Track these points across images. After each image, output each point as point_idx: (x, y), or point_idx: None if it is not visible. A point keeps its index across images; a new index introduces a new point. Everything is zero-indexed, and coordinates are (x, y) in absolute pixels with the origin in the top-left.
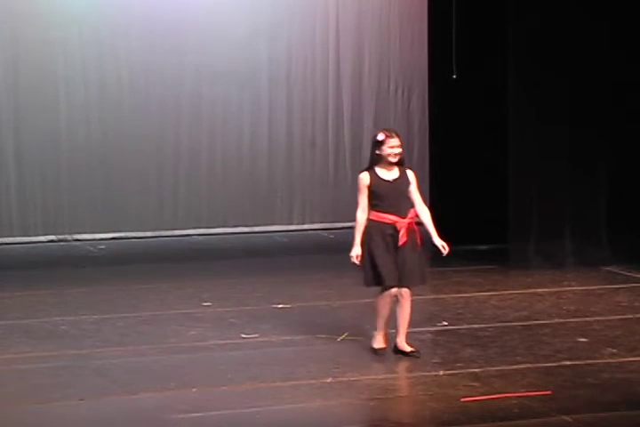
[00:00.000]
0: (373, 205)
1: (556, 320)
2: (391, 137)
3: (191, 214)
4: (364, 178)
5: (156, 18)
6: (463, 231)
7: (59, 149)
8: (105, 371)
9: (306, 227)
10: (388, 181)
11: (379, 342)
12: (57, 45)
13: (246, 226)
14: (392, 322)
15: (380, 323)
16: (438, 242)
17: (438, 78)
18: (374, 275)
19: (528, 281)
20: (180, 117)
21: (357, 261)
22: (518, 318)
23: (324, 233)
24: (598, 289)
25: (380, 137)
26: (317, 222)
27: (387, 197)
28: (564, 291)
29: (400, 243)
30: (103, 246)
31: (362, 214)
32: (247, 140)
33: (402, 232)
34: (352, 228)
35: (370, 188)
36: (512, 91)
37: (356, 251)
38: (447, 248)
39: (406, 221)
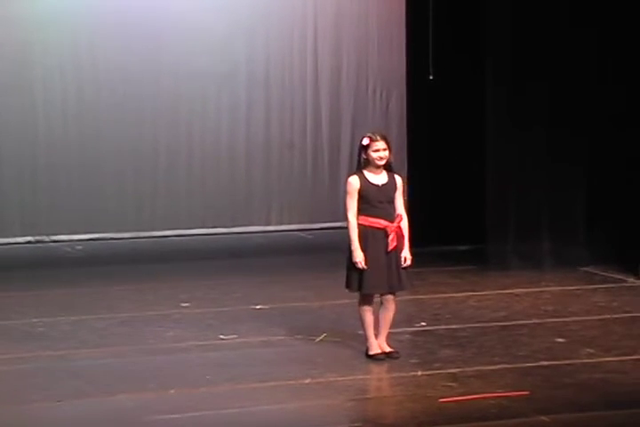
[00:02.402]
0: (361, 209)
1: (534, 321)
2: (376, 140)
3: (169, 215)
4: (354, 182)
5: (134, 17)
6: (441, 232)
7: (36, 150)
8: (82, 372)
9: (284, 228)
10: (377, 185)
11: (374, 349)
12: (34, 46)
13: (225, 227)
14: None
15: (369, 331)
16: (405, 253)
17: (416, 80)
18: (360, 281)
19: (506, 282)
20: (158, 118)
21: (364, 266)
22: (496, 319)
23: (302, 234)
24: (576, 289)
25: (365, 141)
26: (295, 223)
27: (375, 202)
28: (542, 291)
29: (390, 247)
30: (81, 247)
31: (354, 218)
32: (225, 141)
33: (391, 237)
34: (330, 229)
35: (359, 192)
36: (489, 92)
37: (360, 256)
38: (409, 263)
39: (394, 225)
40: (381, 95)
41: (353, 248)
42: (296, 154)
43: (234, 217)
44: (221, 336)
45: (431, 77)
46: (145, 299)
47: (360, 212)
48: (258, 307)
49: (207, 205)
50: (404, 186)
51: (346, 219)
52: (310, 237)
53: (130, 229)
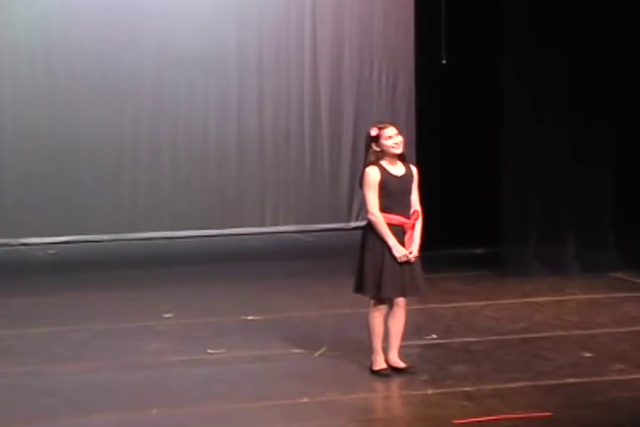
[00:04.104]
0: (380, 204)
1: (558, 333)
2: (385, 127)
3: (152, 215)
4: (374, 173)
5: None
6: (454, 233)
7: (3, 143)
8: (55, 390)
9: (280, 229)
10: (397, 176)
11: (379, 364)
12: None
13: (214, 228)
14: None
15: (377, 343)
16: (413, 248)
17: (426, 64)
18: (377, 284)
19: (526, 289)
20: (139, 108)
21: (409, 258)
22: (515, 331)
23: (300, 236)
24: (604, 298)
25: (374, 132)
26: (292, 224)
27: (395, 195)
28: (567, 300)
29: (407, 247)
30: (53, 251)
31: (379, 212)
32: (214, 133)
33: (408, 235)
34: (330, 230)
35: (380, 184)
36: (508, 78)
37: (402, 250)
38: (412, 258)
39: (412, 222)
40: (387, 81)
41: (391, 244)
42: (292, 147)
43: (223, 217)
44: (209, 350)
45: (444, 61)
46: (124, 309)
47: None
48: (250, 318)
49: (194, 203)
50: (419, 178)
51: (370, 214)
52: (309, 239)
53: (108, 230)
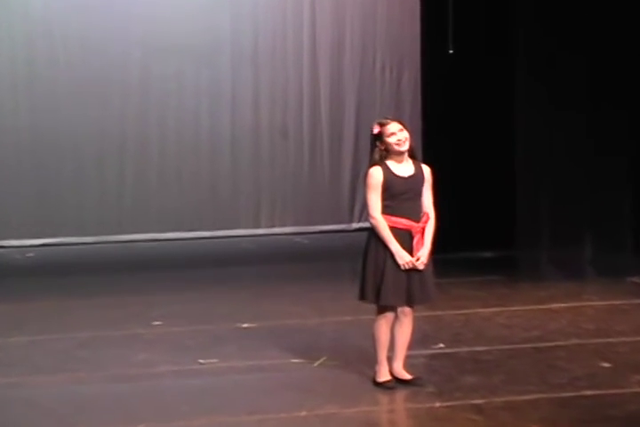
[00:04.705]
0: (384, 206)
1: (574, 342)
2: (387, 124)
3: (139, 215)
4: (376, 174)
5: None
6: (463, 236)
7: None
8: (37, 403)
9: (276, 231)
10: (403, 177)
11: (384, 375)
12: None
13: (205, 230)
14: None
15: (381, 353)
16: (421, 253)
17: (433, 54)
18: (376, 290)
19: (540, 295)
20: (125, 100)
21: (414, 264)
22: (528, 339)
23: (298, 238)
24: (623, 304)
25: (375, 130)
26: (290, 226)
27: (400, 197)
28: (583, 306)
29: (415, 252)
30: (32, 254)
31: (381, 216)
32: (206, 129)
33: (416, 239)
34: (330, 232)
35: (382, 185)
36: (520, 69)
37: (406, 256)
38: (419, 265)
39: (421, 225)
40: (391, 72)
41: (394, 250)
42: (290, 142)
43: (216, 218)
44: (200, 360)
45: (451, 51)
46: (110, 316)
47: (382, 209)
48: (244, 325)
49: (184, 203)
50: (432, 179)
51: (371, 218)
52: (307, 242)
53: (91, 232)
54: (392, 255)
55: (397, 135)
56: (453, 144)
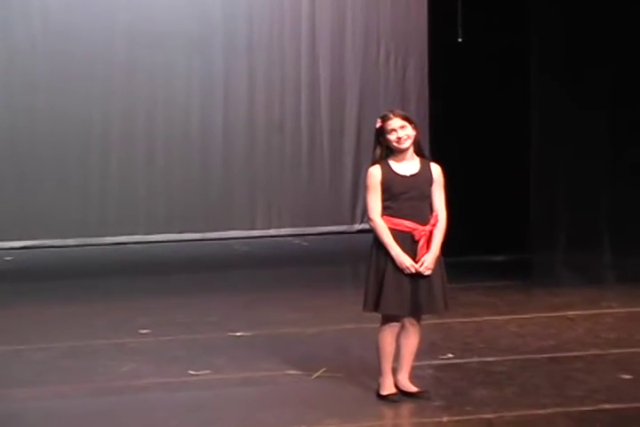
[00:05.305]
0: (384, 207)
1: (592, 352)
2: (389, 119)
3: (125, 217)
4: (375, 173)
5: None
6: (474, 239)
7: None
8: (16, 417)
9: (273, 233)
10: (405, 176)
11: (388, 388)
12: None
13: (196, 232)
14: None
15: (386, 364)
16: (426, 258)
17: (440, 43)
18: (372, 296)
19: (556, 302)
20: (110, 91)
21: (417, 268)
22: (543, 349)
23: (296, 240)
24: None
25: (378, 124)
26: (287, 227)
27: (402, 197)
28: (602, 314)
29: (419, 257)
30: (10, 258)
31: (380, 218)
32: (196, 123)
33: (421, 243)
34: (330, 234)
35: (381, 184)
36: (534, 60)
37: (407, 260)
38: (424, 271)
39: (427, 228)
40: (396, 62)
41: (393, 254)
42: (287, 138)
43: (208, 220)
44: (191, 372)
45: (460, 40)
46: (94, 324)
47: (383, 211)
48: (238, 334)
49: (173, 204)
50: (444, 179)
51: (370, 220)
52: (306, 244)
53: (74, 234)
54: (393, 260)
55: (398, 132)
56: (463, 140)
